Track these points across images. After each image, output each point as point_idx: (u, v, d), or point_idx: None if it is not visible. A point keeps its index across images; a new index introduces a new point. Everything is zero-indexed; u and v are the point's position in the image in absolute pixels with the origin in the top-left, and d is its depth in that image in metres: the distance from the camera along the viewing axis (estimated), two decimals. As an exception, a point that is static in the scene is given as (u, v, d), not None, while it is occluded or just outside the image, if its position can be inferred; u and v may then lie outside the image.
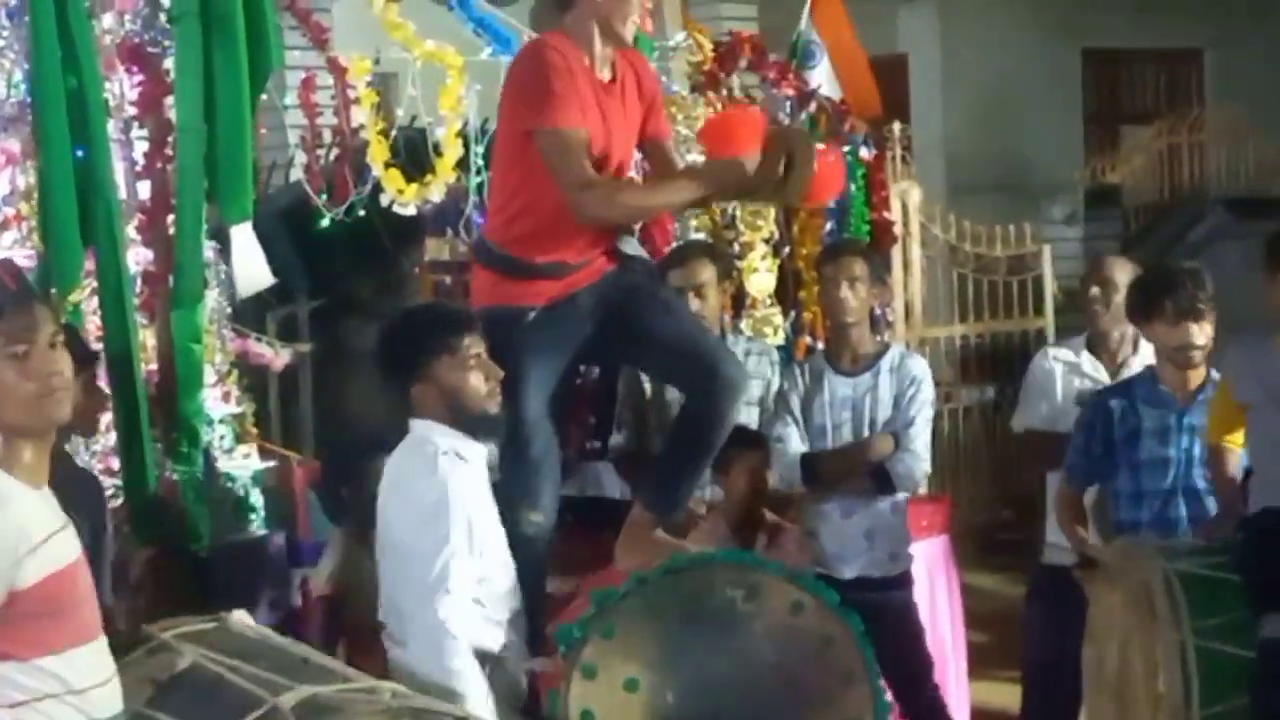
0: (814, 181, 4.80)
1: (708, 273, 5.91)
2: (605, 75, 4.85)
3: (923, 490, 6.61)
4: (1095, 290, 5.96)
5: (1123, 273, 5.97)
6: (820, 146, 5.20)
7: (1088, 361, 5.96)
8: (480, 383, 4.42)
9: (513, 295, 4.81)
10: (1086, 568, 5.23)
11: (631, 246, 5.04)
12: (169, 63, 5.52)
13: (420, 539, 4.25)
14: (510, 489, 4.69)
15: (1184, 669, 4.48)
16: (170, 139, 5.50)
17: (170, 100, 5.50)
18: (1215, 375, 5.35)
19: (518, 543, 4.57)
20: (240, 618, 4.17)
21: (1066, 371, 5.98)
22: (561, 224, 4.81)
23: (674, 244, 6.82)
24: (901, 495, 5.92)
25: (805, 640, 4.48)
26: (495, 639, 4.41)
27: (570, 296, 4.88)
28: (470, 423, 4.42)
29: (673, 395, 5.81)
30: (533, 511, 4.81)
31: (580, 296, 4.89)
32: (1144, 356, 5.84)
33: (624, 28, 4.82)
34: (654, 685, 4.34)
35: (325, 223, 6.66)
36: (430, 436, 4.37)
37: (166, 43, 5.53)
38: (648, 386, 5.85)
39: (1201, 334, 5.31)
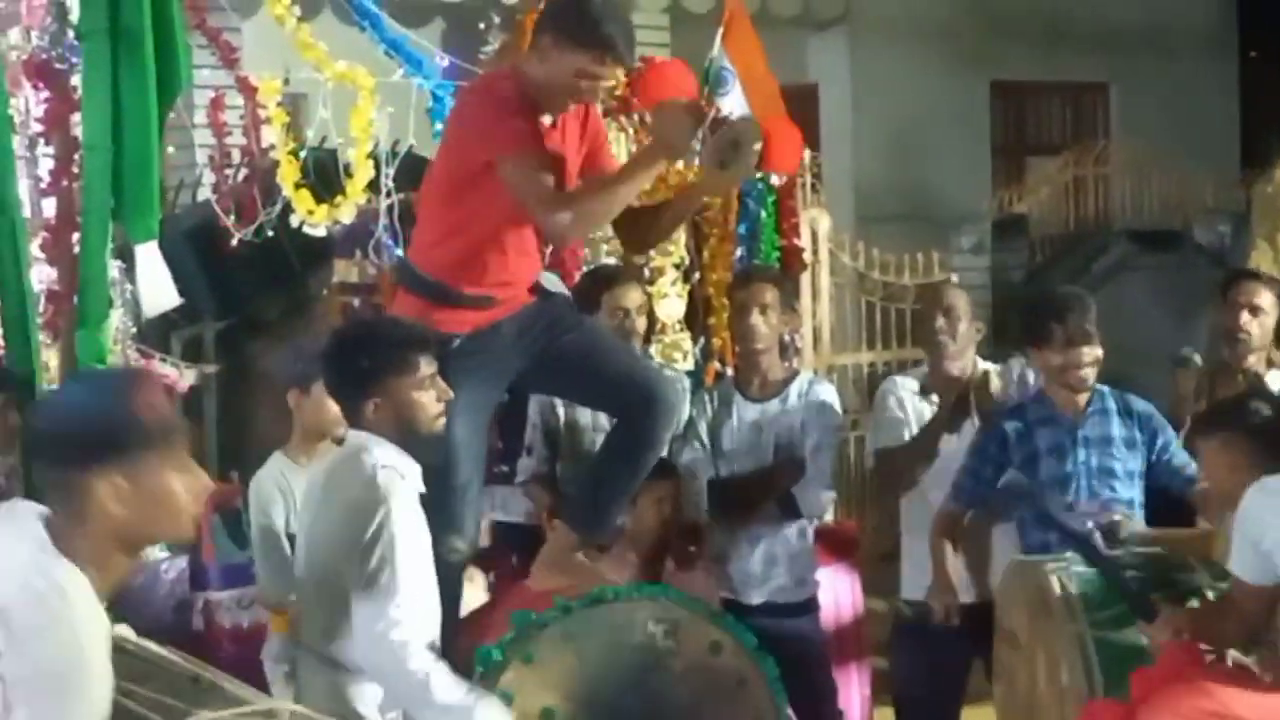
0: (775, 151, 4.84)
1: (638, 296, 5.92)
2: (546, 120, 4.88)
3: (829, 517, 6.63)
4: (941, 320, 5.88)
5: (962, 300, 6.00)
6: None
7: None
8: (432, 403, 4.39)
9: (437, 321, 4.81)
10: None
11: (551, 283, 5.08)
12: (76, 79, 5.46)
13: (363, 555, 4.16)
14: (434, 514, 4.67)
15: (1084, 657, 4.57)
16: (76, 156, 5.44)
17: (77, 117, 5.45)
18: (1103, 389, 5.47)
19: (439, 568, 4.54)
20: (121, 631, 4.09)
21: (915, 399, 5.92)
22: (492, 257, 4.86)
23: (585, 268, 6.82)
24: (808, 521, 5.95)
25: (721, 680, 4.51)
26: None
27: (494, 325, 4.91)
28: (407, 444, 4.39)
29: (585, 420, 5.81)
30: (456, 537, 4.80)
31: (504, 326, 4.92)
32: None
33: (559, 110, 4.86)
34: (569, 716, 4.33)
35: (233, 243, 6.61)
36: (369, 448, 4.32)
37: (74, 59, 5.48)
38: (561, 411, 5.85)
39: (1088, 356, 5.39)
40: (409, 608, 4.17)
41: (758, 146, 4.81)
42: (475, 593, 5.29)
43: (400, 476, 4.28)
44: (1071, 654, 4.61)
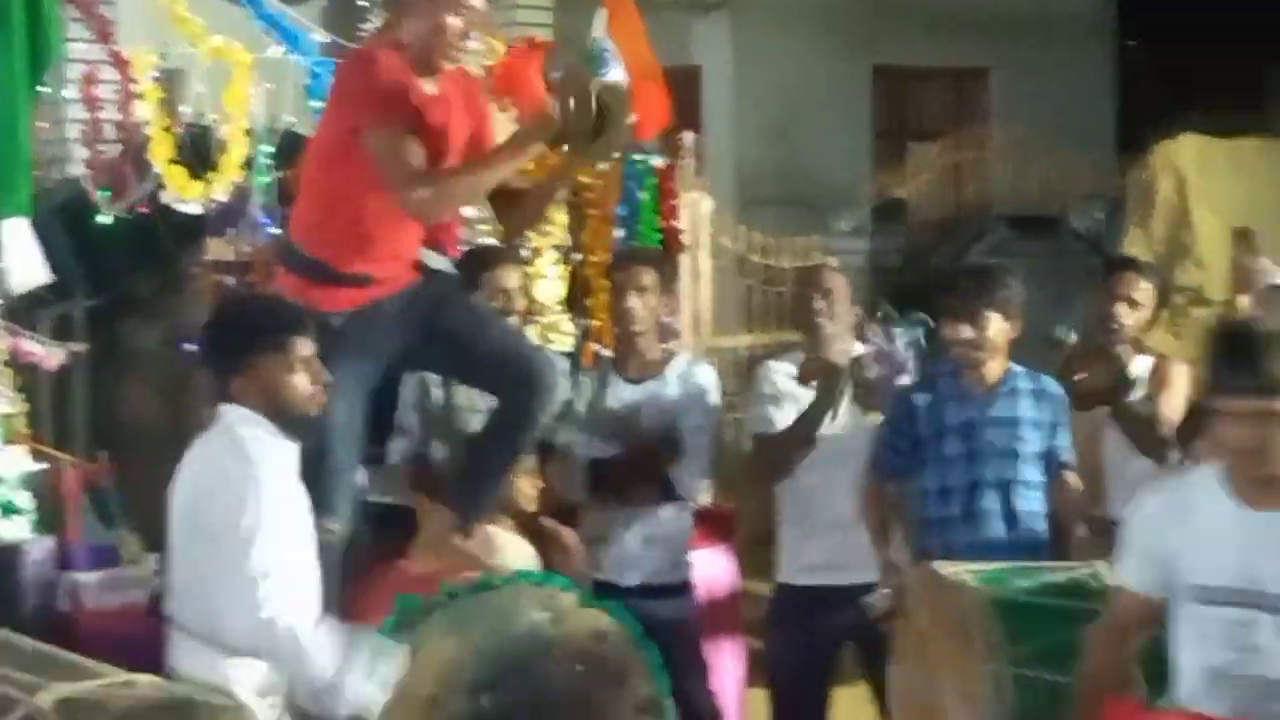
0: (641, 114, 4.83)
1: (518, 277, 5.91)
2: (431, 90, 4.85)
3: (706, 498, 6.66)
4: (820, 303, 5.90)
5: (840, 282, 6.02)
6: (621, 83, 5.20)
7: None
8: (304, 384, 4.36)
9: (317, 300, 4.77)
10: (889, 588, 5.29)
11: (436, 261, 5.05)
12: (-58, 51, 5.36)
13: (232, 526, 4.14)
14: (309, 495, 4.64)
15: (1000, 699, 4.43)
16: (-57, 130, 5.34)
17: (-57, 90, 5.34)
18: (1017, 369, 5.50)
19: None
20: None
21: (791, 384, 5.94)
22: (371, 233, 4.84)
23: (463, 248, 6.77)
24: (685, 503, 5.96)
25: (605, 670, 4.47)
26: None
27: (375, 304, 4.88)
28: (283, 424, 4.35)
29: (460, 400, 5.77)
30: (329, 519, 4.77)
31: (385, 304, 4.91)
32: None
33: (442, 60, 4.83)
34: (450, 702, 4.31)
35: (105, 219, 6.51)
36: (241, 422, 4.30)
37: (-60, 31, 5.37)
38: (435, 391, 5.82)
39: (971, 331, 5.41)
40: (281, 583, 4.14)
41: (631, 119, 4.79)
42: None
43: (271, 453, 4.25)
44: (989, 691, 4.46)
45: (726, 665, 6.43)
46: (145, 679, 3.68)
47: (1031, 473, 5.45)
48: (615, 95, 4.86)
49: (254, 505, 4.14)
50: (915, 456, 5.51)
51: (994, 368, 5.49)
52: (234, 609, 4.13)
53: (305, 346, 4.37)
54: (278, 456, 4.28)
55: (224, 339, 4.43)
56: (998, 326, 5.43)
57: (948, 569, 4.78)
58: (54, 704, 3.43)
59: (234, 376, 4.32)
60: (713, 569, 6.45)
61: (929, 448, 5.48)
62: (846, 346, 5.93)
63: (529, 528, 5.52)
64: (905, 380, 5.83)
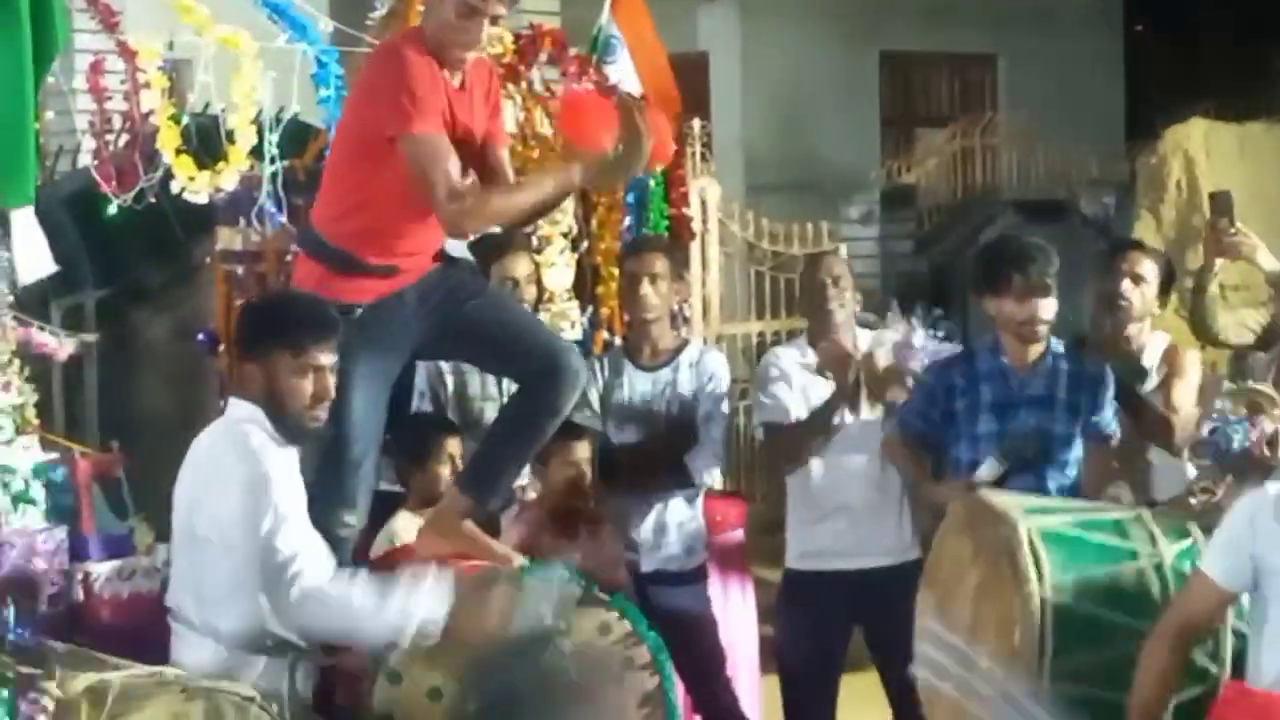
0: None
1: (527, 265, 5.90)
2: (455, 81, 4.82)
3: (719, 485, 6.64)
4: (832, 290, 5.90)
5: (846, 269, 6.03)
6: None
7: (813, 359, 5.91)
8: (306, 393, 4.32)
9: (339, 291, 4.75)
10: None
11: (456, 249, 5.03)
12: (-52, 41, 5.33)
13: (242, 522, 4.15)
14: (325, 488, 4.61)
15: (1041, 626, 4.42)
16: (-52, 120, 5.31)
17: (-51, 80, 5.32)
18: (1056, 347, 5.45)
19: (328, 542, 4.47)
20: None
21: (800, 370, 5.93)
22: (398, 226, 4.81)
23: (472, 237, 6.75)
24: (698, 490, 5.96)
25: (609, 661, 4.49)
26: None
27: (397, 294, 4.86)
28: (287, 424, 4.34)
29: (474, 389, 5.77)
30: (348, 513, 4.76)
31: (406, 295, 4.87)
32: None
33: (464, 53, 4.80)
34: (456, 695, 4.33)
35: (113, 210, 6.50)
36: (245, 417, 4.30)
37: (-54, 21, 5.34)
38: (449, 380, 5.81)
39: (1047, 309, 5.38)
40: (305, 558, 4.17)
41: (651, 142, 4.70)
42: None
43: (271, 452, 4.24)
44: (1028, 621, 4.44)
45: (741, 650, 6.42)
46: (170, 670, 3.70)
47: (1063, 453, 5.38)
48: (637, 120, 4.76)
49: (265, 502, 4.14)
50: (946, 429, 5.47)
51: (1038, 345, 5.46)
52: (271, 598, 4.16)
53: (323, 355, 4.34)
54: (276, 456, 4.27)
55: (250, 323, 4.47)
56: (1055, 304, 5.42)
57: (996, 498, 4.81)
58: (83, 690, 3.45)
59: (244, 360, 4.32)
60: (725, 555, 6.44)
61: (963, 423, 5.43)
62: (852, 332, 5.92)
63: (562, 513, 5.48)
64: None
